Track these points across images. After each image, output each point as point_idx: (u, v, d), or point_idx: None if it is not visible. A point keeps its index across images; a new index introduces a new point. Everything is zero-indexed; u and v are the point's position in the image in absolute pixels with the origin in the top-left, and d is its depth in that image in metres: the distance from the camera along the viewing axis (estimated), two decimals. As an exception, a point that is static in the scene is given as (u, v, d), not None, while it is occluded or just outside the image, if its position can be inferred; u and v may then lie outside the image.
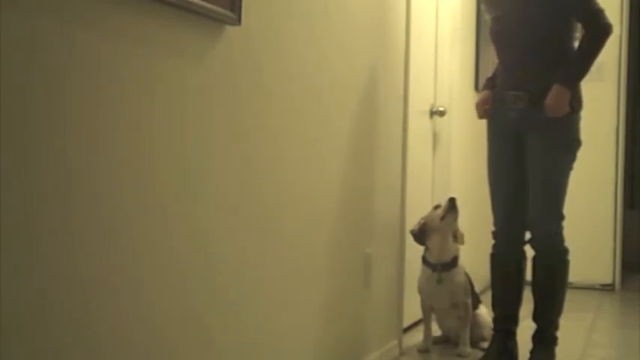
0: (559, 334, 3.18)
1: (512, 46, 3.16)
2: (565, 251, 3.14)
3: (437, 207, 3.45)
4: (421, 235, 3.39)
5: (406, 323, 3.57)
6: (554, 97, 3.00)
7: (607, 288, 5.57)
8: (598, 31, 3.05)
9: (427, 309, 3.45)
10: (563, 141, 3.10)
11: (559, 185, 3.11)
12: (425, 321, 3.46)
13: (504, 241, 3.23)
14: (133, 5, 1.53)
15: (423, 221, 3.41)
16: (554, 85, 3.00)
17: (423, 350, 3.42)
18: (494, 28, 3.27)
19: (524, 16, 3.10)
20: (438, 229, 3.35)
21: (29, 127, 1.27)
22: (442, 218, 3.35)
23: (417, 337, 3.61)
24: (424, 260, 3.41)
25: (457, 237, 3.45)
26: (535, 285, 3.18)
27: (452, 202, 3.36)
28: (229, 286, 1.93)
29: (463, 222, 3.55)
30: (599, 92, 5.59)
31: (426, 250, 3.40)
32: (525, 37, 3.10)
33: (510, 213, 3.20)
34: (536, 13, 3.07)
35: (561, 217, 3.11)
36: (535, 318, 3.18)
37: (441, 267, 3.35)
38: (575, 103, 3.11)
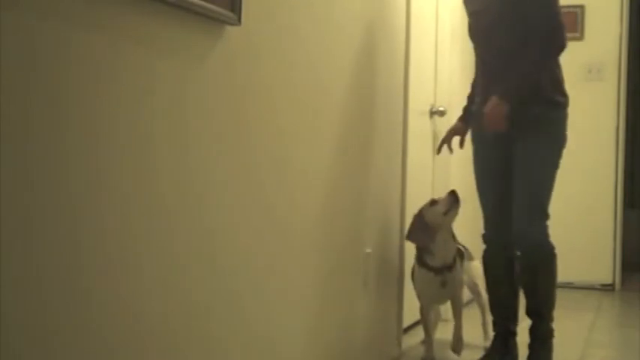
0: (555, 325, 3.12)
1: (491, 43, 3.07)
2: (550, 248, 3.04)
3: (433, 202, 3.08)
4: (423, 233, 3.02)
5: (406, 323, 3.56)
6: (492, 107, 2.91)
7: (607, 288, 5.57)
8: (553, 46, 2.93)
9: (428, 314, 3.18)
10: (550, 139, 3.03)
11: (544, 184, 3.03)
12: (426, 329, 3.22)
13: (495, 243, 3.20)
14: (133, 5, 1.53)
15: (423, 219, 3.04)
16: (492, 96, 2.91)
17: None
18: (472, 25, 3.18)
19: (501, 10, 2.99)
20: (441, 226, 3.01)
21: (28, 128, 1.27)
22: (445, 213, 3.01)
23: (417, 337, 3.61)
24: (423, 264, 3.06)
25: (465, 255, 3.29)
26: (523, 283, 3.13)
27: (454, 195, 3.03)
28: (230, 284, 1.93)
29: (463, 222, 3.55)
30: (599, 92, 5.59)
31: (426, 252, 3.05)
32: (505, 32, 2.99)
33: (499, 215, 3.15)
34: (511, 9, 2.96)
35: (546, 217, 3.02)
36: (528, 314, 3.12)
37: (447, 269, 3.04)
38: (562, 99, 3.04)
